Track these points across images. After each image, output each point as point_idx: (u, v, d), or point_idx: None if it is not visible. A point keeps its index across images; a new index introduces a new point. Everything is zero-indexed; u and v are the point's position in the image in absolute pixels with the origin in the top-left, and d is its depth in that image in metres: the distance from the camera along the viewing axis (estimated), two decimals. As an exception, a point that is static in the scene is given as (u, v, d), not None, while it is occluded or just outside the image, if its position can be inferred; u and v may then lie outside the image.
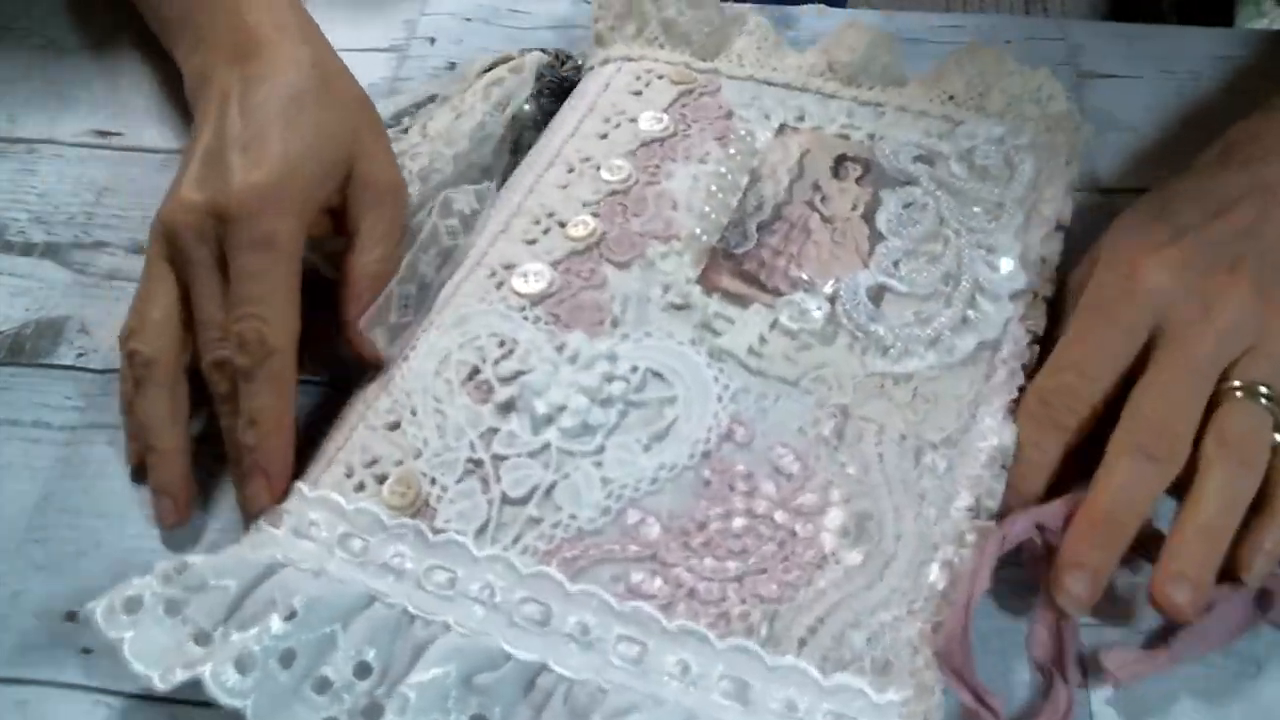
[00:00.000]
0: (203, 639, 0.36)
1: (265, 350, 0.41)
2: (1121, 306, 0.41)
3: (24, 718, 0.38)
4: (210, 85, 0.46)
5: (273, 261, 0.42)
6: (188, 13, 0.51)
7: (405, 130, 0.53)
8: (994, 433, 0.42)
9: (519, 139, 0.55)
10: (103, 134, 0.57)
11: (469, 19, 0.64)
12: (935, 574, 0.38)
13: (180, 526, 0.42)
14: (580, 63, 0.58)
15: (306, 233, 0.43)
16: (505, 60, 0.56)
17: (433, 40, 0.62)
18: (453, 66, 0.61)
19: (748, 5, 0.60)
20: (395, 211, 0.45)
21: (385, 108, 0.54)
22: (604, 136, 0.52)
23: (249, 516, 0.41)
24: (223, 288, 0.42)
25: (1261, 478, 0.38)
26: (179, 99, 0.57)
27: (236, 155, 0.43)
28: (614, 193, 0.50)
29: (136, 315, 0.43)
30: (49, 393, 0.46)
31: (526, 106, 0.55)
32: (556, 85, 0.57)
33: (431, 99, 0.55)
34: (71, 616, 0.40)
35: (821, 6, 0.64)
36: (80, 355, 0.47)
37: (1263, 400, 0.39)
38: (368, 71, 0.59)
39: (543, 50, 0.57)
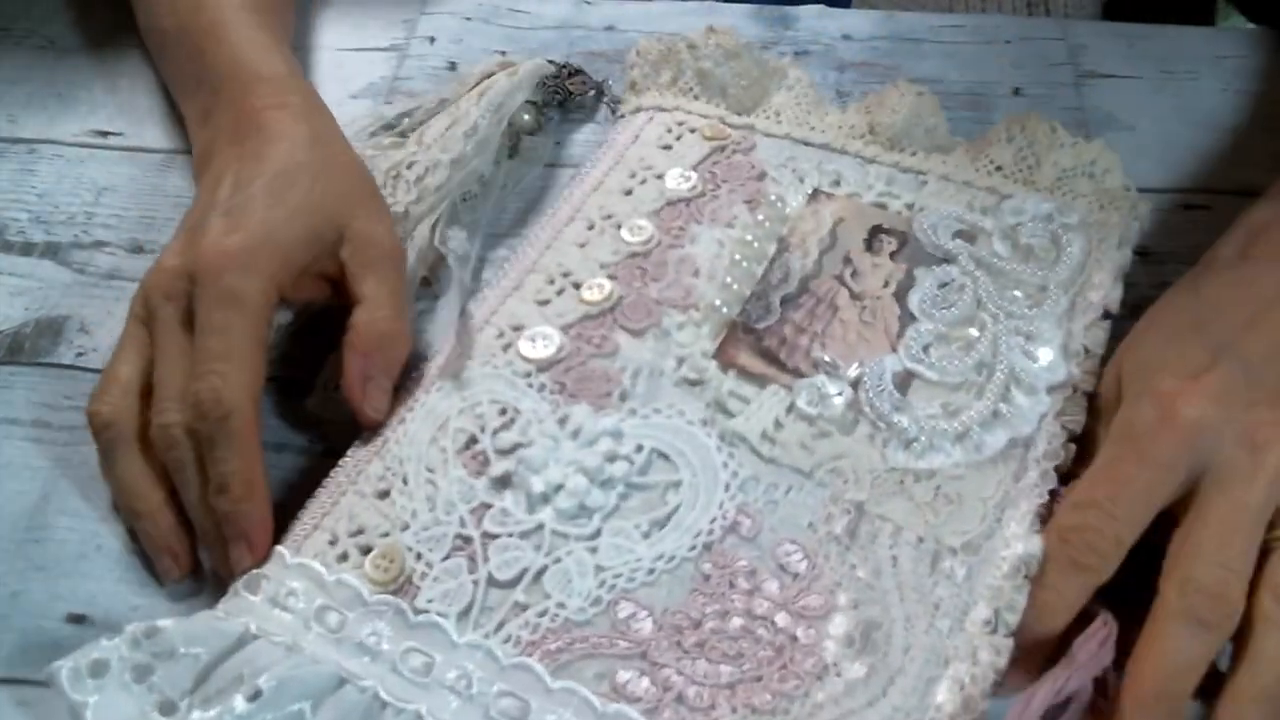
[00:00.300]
0: (168, 709, 0.34)
1: (222, 410, 0.39)
2: (1159, 442, 0.37)
3: (24, 718, 0.37)
4: (211, 164, 0.46)
5: (237, 318, 0.40)
6: (195, 87, 0.51)
7: (403, 134, 0.52)
8: (1019, 540, 0.39)
9: (516, 144, 0.54)
10: (103, 134, 0.57)
11: (469, 19, 0.63)
12: (944, 694, 0.36)
13: (185, 580, 0.41)
14: (590, 79, 0.57)
15: (279, 295, 0.42)
16: (505, 67, 0.55)
17: (432, 40, 0.62)
18: (453, 67, 0.60)
19: (752, 6, 0.59)
20: (395, 275, 0.44)
21: (382, 114, 0.54)
22: (629, 193, 0.50)
23: (231, 579, 0.39)
24: (185, 350, 0.41)
25: None
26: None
27: (217, 220, 0.42)
28: (634, 254, 0.48)
29: (102, 378, 0.42)
30: (49, 393, 0.46)
31: (526, 116, 0.54)
32: (564, 97, 0.56)
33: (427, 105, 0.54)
34: (72, 617, 0.39)
35: (821, 7, 0.63)
36: (80, 355, 0.47)
37: None
38: (368, 71, 0.59)
39: (551, 61, 0.56)
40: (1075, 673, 0.35)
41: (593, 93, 0.57)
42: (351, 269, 0.44)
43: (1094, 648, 0.36)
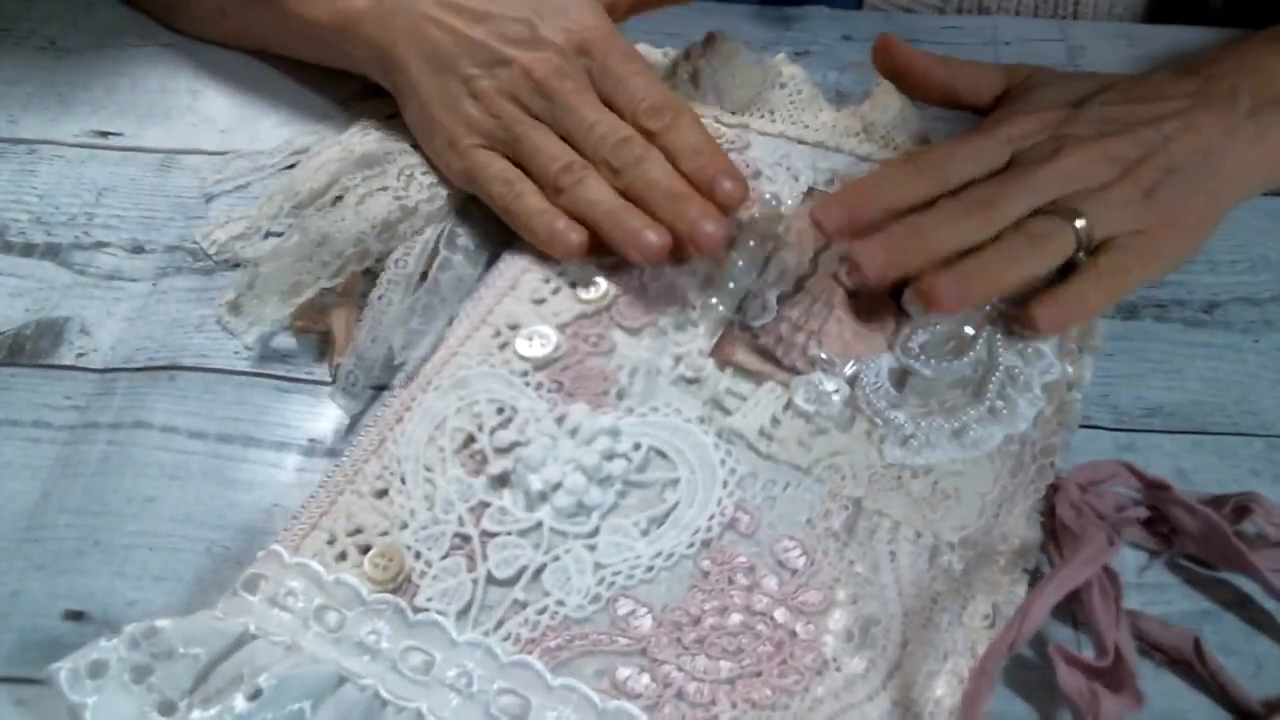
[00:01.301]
0: (167, 709, 0.35)
1: (678, 107, 0.47)
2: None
3: (24, 717, 0.37)
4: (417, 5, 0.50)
5: (644, 64, 0.48)
6: None
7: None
8: (1017, 534, 0.39)
9: None
10: (103, 134, 0.56)
11: None
12: (943, 688, 0.36)
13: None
14: None
15: None
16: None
17: None
18: None
19: (752, 6, 0.60)
20: None
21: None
22: (624, 192, 0.50)
23: (698, 236, 0.44)
24: (599, 104, 0.47)
25: None
26: (179, 99, 0.57)
27: (555, 16, 0.48)
28: (630, 253, 0.48)
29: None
30: (49, 393, 0.45)
31: None
32: None
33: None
34: (71, 615, 0.39)
35: (822, 8, 0.63)
36: (80, 355, 0.47)
37: None
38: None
39: None
40: (1079, 568, 0.36)
41: None
42: None
43: (1096, 548, 0.37)
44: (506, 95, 0.48)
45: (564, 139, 0.47)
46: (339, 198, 0.49)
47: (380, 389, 0.45)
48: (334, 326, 0.46)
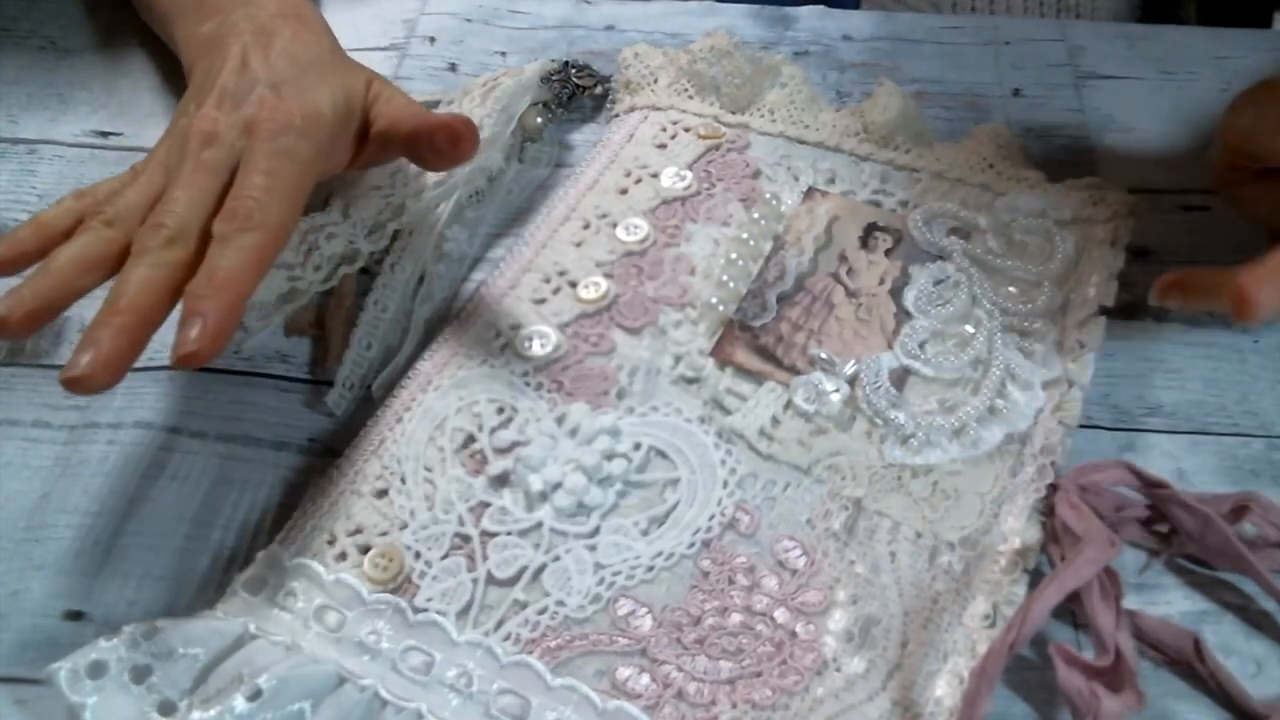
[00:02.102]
0: (168, 709, 0.34)
1: (250, 224, 0.38)
2: None
3: (24, 717, 0.37)
4: (224, 48, 0.46)
5: (290, 171, 0.41)
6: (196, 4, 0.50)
7: None
8: (1017, 534, 0.39)
9: (523, 149, 0.54)
10: (103, 134, 0.57)
11: (469, 19, 0.63)
12: (943, 688, 0.36)
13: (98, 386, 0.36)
14: (597, 72, 0.57)
15: (322, 166, 0.43)
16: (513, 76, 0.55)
17: (432, 40, 0.62)
18: (453, 67, 0.60)
19: (752, 6, 0.60)
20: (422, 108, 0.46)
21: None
22: (624, 192, 0.50)
23: (175, 360, 0.36)
24: (214, 190, 0.40)
25: None
26: (179, 99, 0.56)
27: (266, 90, 0.43)
28: (630, 253, 0.48)
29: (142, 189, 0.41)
30: (49, 393, 0.46)
31: (538, 119, 0.54)
32: (572, 92, 0.56)
33: (435, 105, 0.54)
34: (71, 615, 0.39)
35: (822, 8, 0.63)
36: (80, 354, 0.47)
37: None
38: (367, 69, 0.59)
39: (560, 60, 0.56)
40: (1080, 568, 0.36)
41: (599, 87, 0.57)
42: (381, 109, 0.46)
43: (1096, 549, 0.37)
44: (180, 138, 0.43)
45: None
46: (327, 200, 0.49)
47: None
48: (328, 330, 0.46)
